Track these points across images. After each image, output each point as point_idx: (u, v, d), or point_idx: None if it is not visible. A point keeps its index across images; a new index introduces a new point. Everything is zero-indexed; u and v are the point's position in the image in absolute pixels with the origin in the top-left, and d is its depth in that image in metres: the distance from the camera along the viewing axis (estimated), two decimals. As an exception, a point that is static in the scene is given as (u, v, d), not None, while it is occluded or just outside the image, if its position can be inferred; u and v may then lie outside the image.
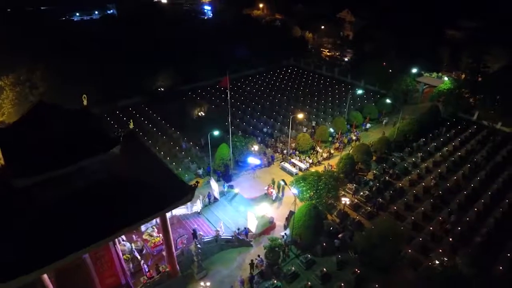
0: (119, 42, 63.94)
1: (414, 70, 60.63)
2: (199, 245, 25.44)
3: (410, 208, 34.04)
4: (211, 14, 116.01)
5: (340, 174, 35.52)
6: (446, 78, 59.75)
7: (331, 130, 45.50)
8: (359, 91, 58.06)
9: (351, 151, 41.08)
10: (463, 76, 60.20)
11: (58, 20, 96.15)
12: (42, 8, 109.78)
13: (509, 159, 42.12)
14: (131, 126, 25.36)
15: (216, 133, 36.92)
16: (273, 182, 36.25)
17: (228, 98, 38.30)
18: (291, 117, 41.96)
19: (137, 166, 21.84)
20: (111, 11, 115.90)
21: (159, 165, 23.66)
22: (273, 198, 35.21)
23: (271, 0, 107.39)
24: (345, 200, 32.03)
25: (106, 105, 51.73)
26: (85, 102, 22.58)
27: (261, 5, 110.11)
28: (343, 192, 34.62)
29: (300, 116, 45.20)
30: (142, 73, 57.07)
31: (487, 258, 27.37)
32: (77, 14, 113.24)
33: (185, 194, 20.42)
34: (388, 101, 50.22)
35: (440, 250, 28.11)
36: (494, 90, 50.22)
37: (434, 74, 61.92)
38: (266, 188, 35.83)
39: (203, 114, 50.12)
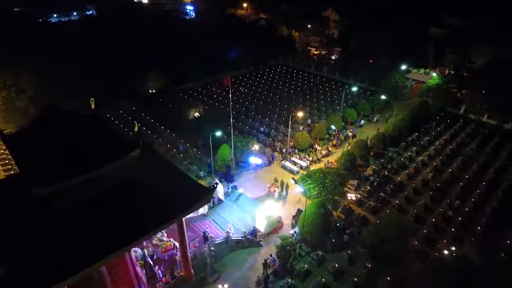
0: (101, 43, 62.04)
1: (404, 67, 61.98)
2: (212, 248, 25.09)
3: (411, 201, 34.84)
4: (194, 14, 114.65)
5: (340, 171, 35.89)
6: (434, 74, 61.46)
7: (333, 127, 45.74)
8: (354, 88, 58.80)
9: (349, 147, 41.60)
10: (447, 71, 62.18)
11: (36, 22, 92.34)
12: (15, 9, 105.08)
13: (498, 150, 43.93)
14: (136, 129, 24.63)
15: (218, 133, 36.44)
16: (276, 181, 36.24)
17: (230, 98, 37.91)
18: (290, 115, 41.96)
19: (150, 169, 21.23)
20: (90, 12, 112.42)
21: (171, 167, 23.19)
22: (276, 197, 35.17)
23: (256, 0, 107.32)
24: (351, 196, 32.41)
25: (97, 108, 49.95)
26: (92, 106, 21.86)
27: (245, 5, 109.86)
28: (345, 189, 35.02)
29: (300, 114, 45.31)
30: (130, 74, 55.61)
31: (490, 246, 28.38)
32: (55, 15, 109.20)
33: (204, 195, 20.01)
34: (383, 97, 51.05)
35: (445, 241, 28.92)
36: (479, 85, 52.15)
37: (422, 70, 63.58)
38: (268, 186, 35.77)
39: (199, 115, 49.46)
